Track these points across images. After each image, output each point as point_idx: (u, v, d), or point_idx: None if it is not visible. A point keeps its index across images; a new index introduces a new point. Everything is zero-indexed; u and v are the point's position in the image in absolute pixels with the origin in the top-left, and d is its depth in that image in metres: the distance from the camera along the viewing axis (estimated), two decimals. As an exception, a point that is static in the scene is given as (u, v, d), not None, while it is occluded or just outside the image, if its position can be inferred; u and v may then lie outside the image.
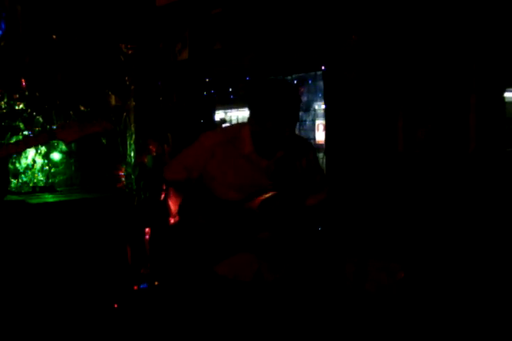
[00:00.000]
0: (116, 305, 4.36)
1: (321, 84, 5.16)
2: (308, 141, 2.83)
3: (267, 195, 2.43)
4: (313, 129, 6.23)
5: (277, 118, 2.31)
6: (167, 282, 4.69)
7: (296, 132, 5.20)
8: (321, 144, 6.04)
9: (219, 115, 6.62)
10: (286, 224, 2.54)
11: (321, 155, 6.08)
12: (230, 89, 5.66)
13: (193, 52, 5.46)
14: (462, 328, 3.68)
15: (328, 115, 4.89)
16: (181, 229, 2.59)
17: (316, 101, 6.12)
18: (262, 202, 2.42)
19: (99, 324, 4.10)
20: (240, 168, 2.46)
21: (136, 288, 4.67)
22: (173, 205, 2.65)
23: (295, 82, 5.67)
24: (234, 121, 8.10)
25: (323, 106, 5.49)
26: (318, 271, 4.53)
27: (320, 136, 6.18)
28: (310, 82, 5.83)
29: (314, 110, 6.21)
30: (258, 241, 2.47)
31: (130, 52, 5.24)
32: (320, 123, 6.17)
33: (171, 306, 4.14)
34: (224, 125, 6.92)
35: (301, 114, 6.24)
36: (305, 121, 6.25)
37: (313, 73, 5.49)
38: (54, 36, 4.84)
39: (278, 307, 2.58)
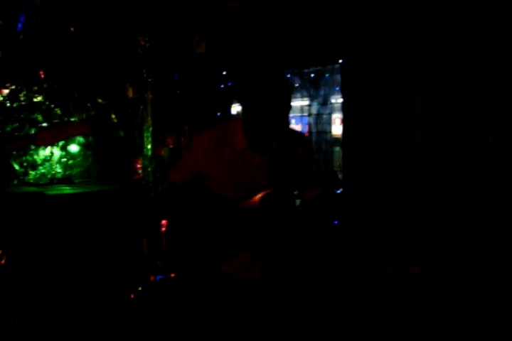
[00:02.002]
0: (132, 296, 4.39)
1: (338, 77, 5.15)
2: (302, 134, 2.80)
3: (265, 193, 2.41)
4: (329, 123, 6.20)
5: (270, 108, 2.28)
6: (181, 274, 4.71)
7: (314, 125, 5.21)
8: (338, 137, 6.02)
9: (236, 108, 6.60)
10: (287, 219, 2.54)
11: (337, 148, 6.08)
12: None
13: (210, 45, 5.46)
14: (479, 324, 3.67)
15: (345, 108, 4.88)
16: (182, 226, 2.59)
17: (333, 94, 6.10)
18: (262, 200, 2.41)
19: (115, 314, 4.13)
20: (235, 166, 2.44)
21: (152, 279, 4.69)
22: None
23: (313, 75, 5.68)
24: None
25: (340, 100, 5.47)
26: (330, 265, 4.53)
27: (336, 130, 6.16)
28: (327, 75, 5.81)
29: (331, 103, 6.18)
30: (262, 239, 2.47)
31: (147, 45, 5.25)
32: (337, 117, 6.14)
33: (186, 298, 4.16)
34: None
35: (318, 107, 6.27)
36: (322, 114, 6.23)
37: (330, 66, 5.48)
38: (72, 29, 4.86)
39: (286, 302, 2.58)
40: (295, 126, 6.35)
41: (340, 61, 4.83)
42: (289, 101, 2.37)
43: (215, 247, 2.50)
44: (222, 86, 5.62)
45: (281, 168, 2.45)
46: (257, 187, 2.42)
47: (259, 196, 2.40)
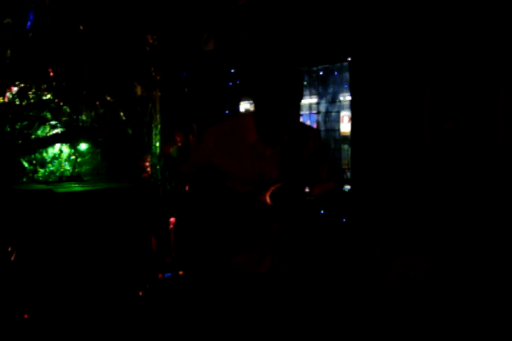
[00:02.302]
0: (141, 293, 4.41)
1: (346, 75, 5.14)
2: (313, 128, 2.80)
3: (275, 187, 2.40)
4: (338, 121, 6.20)
5: (282, 98, 2.28)
6: (190, 270, 4.72)
7: (322, 123, 5.21)
8: (346, 135, 6.02)
9: (244, 106, 6.61)
10: (296, 213, 2.53)
11: (345, 146, 6.08)
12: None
13: (218, 43, 5.46)
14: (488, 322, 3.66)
15: (354, 106, 4.87)
16: (191, 215, 2.59)
17: (342, 92, 6.09)
18: (271, 196, 2.41)
19: (124, 311, 4.15)
20: (245, 158, 2.45)
21: (160, 276, 4.71)
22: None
23: (321, 73, 5.67)
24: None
25: (348, 98, 5.47)
26: (337, 263, 4.53)
27: (345, 128, 6.15)
28: (336, 73, 5.80)
29: (339, 101, 6.17)
30: (270, 232, 2.47)
31: (156, 42, 5.26)
32: (345, 115, 6.13)
33: (194, 295, 4.17)
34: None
35: (326, 105, 6.27)
36: (330, 112, 6.22)
37: (339, 64, 5.47)
38: (81, 27, 4.87)
39: (293, 299, 2.59)
40: (303, 123, 6.34)
41: (349, 59, 4.82)
42: (301, 92, 2.37)
43: (225, 241, 2.50)
44: (230, 84, 5.62)
45: (292, 161, 2.44)
46: (268, 180, 2.42)
47: (269, 190, 2.40)
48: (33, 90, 4.75)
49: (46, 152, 4.85)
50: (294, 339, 2.59)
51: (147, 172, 5.35)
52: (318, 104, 6.26)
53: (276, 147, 2.45)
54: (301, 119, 6.37)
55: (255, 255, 2.49)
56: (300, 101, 2.39)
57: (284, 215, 2.47)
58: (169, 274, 4.73)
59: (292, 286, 2.58)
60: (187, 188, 2.73)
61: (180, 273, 4.75)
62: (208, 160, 2.50)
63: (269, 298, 2.56)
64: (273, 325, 2.57)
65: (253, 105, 2.44)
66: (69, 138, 4.87)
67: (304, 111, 6.34)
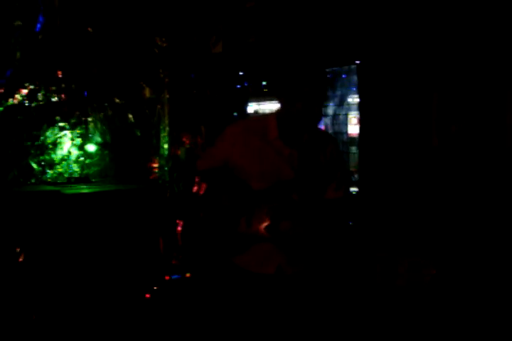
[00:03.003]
0: (148, 296, 4.42)
1: (354, 78, 5.14)
2: (332, 136, 2.83)
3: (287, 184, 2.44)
4: (346, 123, 6.20)
5: (306, 95, 2.31)
6: (197, 273, 4.73)
7: (330, 126, 5.20)
8: (354, 137, 6.02)
9: (253, 107, 6.62)
10: (306, 214, 2.54)
11: (353, 148, 6.07)
12: (264, 83, 5.66)
13: (227, 45, 5.47)
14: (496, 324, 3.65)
15: (362, 109, 4.87)
16: (206, 213, 2.60)
17: (350, 95, 6.09)
18: (269, 227, 2.44)
19: (131, 313, 4.17)
20: (263, 155, 2.47)
21: (167, 278, 4.72)
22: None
23: (329, 76, 5.65)
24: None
25: (356, 100, 5.46)
26: (344, 266, 4.53)
27: (352, 130, 6.15)
28: (344, 75, 5.80)
29: (347, 104, 6.17)
30: (278, 231, 2.48)
31: (164, 45, 5.27)
32: (353, 117, 6.13)
33: (201, 297, 4.18)
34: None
35: (334, 108, 6.26)
36: (338, 115, 6.21)
37: (346, 67, 5.47)
38: (90, 29, 4.89)
39: (296, 301, 2.59)
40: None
41: (357, 62, 4.82)
42: (325, 90, 2.42)
43: (233, 240, 2.52)
44: (238, 86, 5.63)
45: (309, 162, 2.48)
46: (283, 179, 2.44)
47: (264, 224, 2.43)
48: (42, 92, 4.78)
49: (55, 153, 4.87)
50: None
51: (155, 174, 5.36)
52: (326, 106, 6.26)
53: (294, 146, 2.47)
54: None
55: (261, 255, 2.50)
56: (324, 100, 2.43)
57: (294, 215, 2.48)
58: (176, 276, 4.74)
59: (298, 288, 2.58)
60: (197, 188, 2.75)
61: (187, 275, 4.75)
62: (226, 156, 2.52)
63: (275, 300, 2.56)
64: (278, 327, 2.57)
65: (280, 103, 2.46)
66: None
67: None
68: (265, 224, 2.45)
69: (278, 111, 2.49)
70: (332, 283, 4.16)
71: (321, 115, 2.48)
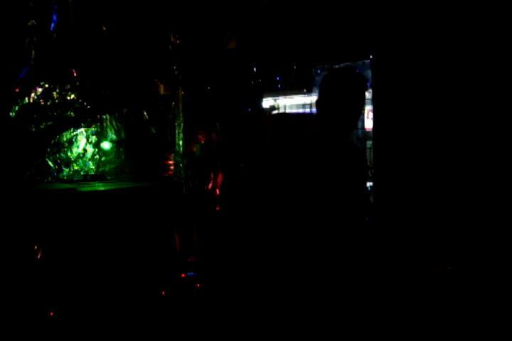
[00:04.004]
0: (163, 293, 4.44)
1: (369, 73, 5.10)
2: (359, 148, 2.83)
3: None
4: (360, 119, 6.15)
5: (345, 111, 2.32)
6: (211, 270, 4.74)
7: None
8: (370, 132, 5.96)
9: (268, 102, 6.61)
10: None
11: (369, 143, 6.03)
12: (278, 78, 5.65)
13: (240, 41, 5.47)
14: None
15: (375, 104, 4.84)
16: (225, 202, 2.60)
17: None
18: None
19: (146, 310, 4.19)
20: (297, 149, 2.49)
21: (183, 275, 4.74)
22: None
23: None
24: (282, 109, 8.08)
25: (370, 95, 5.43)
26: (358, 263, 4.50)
27: (369, 124, 6.10)
28: (357, 71, 5.76)
29: (363, 98, 6.12)
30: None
31: (178, 41, 5.28)
32: (370, 110, 6.09)
33: (213, 294, 4.18)
34: (274, 112, 6.92)
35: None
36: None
37: (360, 62, 5.43)
38: (104, 27, 4.91)
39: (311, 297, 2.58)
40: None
41: (371, 56, 4.79)
42: (363, 102, 2.41)
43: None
44: (252, 82, 5.62)
45: (332, 168, 2.44)
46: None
47: None
48: (58, 90, 4.81)
49: (71, 151, 4.91)
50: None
51: (170, 170, 5.38)
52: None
53: (325, 149, 2.46)
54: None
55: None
56: (362, 107, 2.42)
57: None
58: (192, 273, 4.76)
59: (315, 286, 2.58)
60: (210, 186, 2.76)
61: (203, 272, 4.77)
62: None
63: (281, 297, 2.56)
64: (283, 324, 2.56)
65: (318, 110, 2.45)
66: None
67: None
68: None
69: (318, 115, 2.46)
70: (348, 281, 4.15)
71: (355, 125, 2.46)
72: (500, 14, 4.04)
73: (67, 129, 4.87)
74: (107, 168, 5.11)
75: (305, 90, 5.85)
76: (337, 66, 5.28)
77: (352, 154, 2.54)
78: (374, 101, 4.85)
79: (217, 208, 4.86)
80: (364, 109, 2.44)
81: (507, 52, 4.03)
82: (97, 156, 5.04)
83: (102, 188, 4.58)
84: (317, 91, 2.44)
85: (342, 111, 2.33)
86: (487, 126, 4.16)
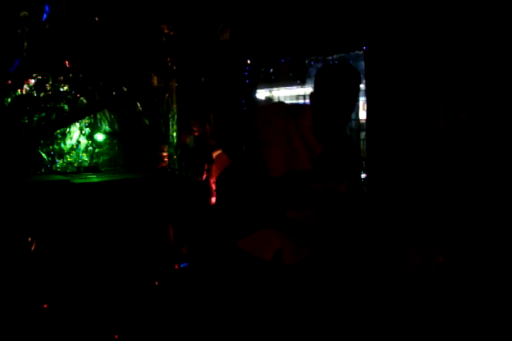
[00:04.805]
0: (156, 283, 4.45)
1: (362, 64, 5.10)
2: (357, 144, 2.87)
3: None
4: (354, 110, 6.14)
5: (339, 104, 2.36)
6: (204, 260, 4.75)
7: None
8: (364, 122, 5.97)
9: (264, 94, 6.60)
10: (314, 206, 2.55)
11: (364, 134, 6.03)
12: (271, 70, 5.63)
13: (234, 32, 5.44)
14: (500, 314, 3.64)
15: (369, 95, 4.84)
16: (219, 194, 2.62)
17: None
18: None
19: (140, 300, 4.20)
20: (290, 138, 2.51)
21: (176, 267, 4.75)
22: (216, 170, 2.69)
23: (336, 62, 5.59)
24: (276, 100, 8.07)
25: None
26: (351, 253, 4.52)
27: (364, 115, 6.11)
28: (351, 62, 5.74)
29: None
30: (285, 219, 2.49)
31: (171, 33, 5.25)
32: (365, 102, 6.09)
33: (206, 284, 4.20)
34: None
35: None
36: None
37: (354, 53, 5.42)
38: (96, 18, 4.88)
39: (294, 292, 2.59)
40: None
41: (364, 48, 4.78)
42: (357, 96, 2.46)
43: (240, 223, 2.53)
44: (246, 73, 5.61)
45: (329, 159, 2.50)
46: (298, 167, 2.50)
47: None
48: (50, 82, 4.79)
49: (64, 143, 4.90)
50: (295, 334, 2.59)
51: (164, 162, 5.37)
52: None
53: (322, 141, 2.52)
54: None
55: (261, 240, 2.53)
56: (355, 103, 2.47)
57: (302, 204, 2.49)
58: (185, 264, 4.77)
59: (297, 279, 2.58)
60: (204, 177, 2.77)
61: (196, 262, 4.77)
62: (257, 129, 2.56)
63: (273, 289, 2.57)
64: (275, 315, 2.58)
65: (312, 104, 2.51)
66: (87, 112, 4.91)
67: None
68: (272, 210, 2.45)
69: (313, 108, 2.52)
70: (335, 276, 4.16)
71: (349, 119, 2.52)
72: (492, 8, 4.04)
73: (64, 126, 4.86)
74: (100, 160, 5.10)
75: (299, 81, 5.85)
76: (330, 57, 5.29)
77: (346, 146, 2.56)
78: (367, 93, 4.85)
79: (211, 199, 4.87)
80: (358, 101, 2.47)
81: (500, 45, 4.03)
82: (91, 148, 5.03)
83: (96, 180, 4.57)
84: (310, 82, 2.47)
85: (337, 104, 2.36)
86: (479, 118, 4.16)
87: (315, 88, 2.47)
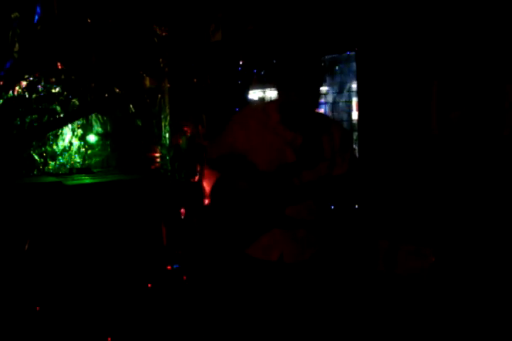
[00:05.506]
0: (149, 285, 4.45)
1: (354, 65, 5.11)
2: (339, 122, 2.87)
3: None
4: (346, 111, 6.15)
5: (300, 87, 2.36)
6: (199, 262, 4.75)
7: (330, 113, 5.12)
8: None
9: (256, 94, 6.60)
10: (312, 196, 2.55)
11: (356, 134, 6.04)
12: (264, 70, 5.64)
13: (226, 33, 5.44)
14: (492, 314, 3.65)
15: (360, 96, 4.84)
16: (216, 204, 2.62)
17: (353, 81, 6.05)
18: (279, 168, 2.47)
19: (132, 302, 4.20)
20: (266, 140, 2.51)
21: (169, 268, 4.75)
22: (207, 186, 2.70)
23: (326, 63, 5.60)
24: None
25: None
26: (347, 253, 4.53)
27: (356, 116, 6.12)
28: (344, 63, 5.76)
29: (350, 90, 6.12)
30: (284, 217, 2.50)
31: (164, 34, 5.25)
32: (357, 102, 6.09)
33: (202, 286, 4.20)
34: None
35: (334, 95, 6.20)
36: (338, 103, 6.16)
37: (346, 54, 5.43)
38: (88, 19, 4.88)
39: (297, 290, 2.60)
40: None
41: (356, 49, 4.79)
42: (319, 78, 2.44)
43: (244, 229, 2.54)
44: (238, 74, 5.61)
45: (312, 145, 2.49)
46: (285, 162, 2.49)
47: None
48: (42, 83, 4.79)
49: (56, 144, 4.89)
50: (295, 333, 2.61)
51: (157, 163, 5.37)
52: (326, 94, 6.21)
53: (297, 131, 2.50)
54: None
55: (267, 242, 2.54)
56: (319, 87, 2.47)
57: (299, 198, 2.49)
58: (177, 266, 4.77)
59: (300, 277, 2.60)
60: (197, 178, 2.78)
61: (189, 264, 4.77)
62: (232, 143, 2.58)
63: (278, 288, 2.58)
64: (279, 315, 2.59)
65: (277, 91, 2.52)
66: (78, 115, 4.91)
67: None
68: (273, 209, 2.47)
69: (278, 97, 2.53)
70: (336, 274, 4.17)
71: (317, 102, 2.53)
72: (485, 7, 4.05)
73: (56, 128, 4.86)
74: (92, 161, 5.10)
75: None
76: (322, 58, 5.28)
77: (325, 129, 2.57)
78: (359, 93, 4.86)
79: (204, 201, 4.86)
80: (320, 85, 2.46)
81: (491, 45, 4.04)
82: (83, 149, 5.03)
83: (88, 181, 4.57)
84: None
85: (297, 88, 2.37)
86: (469, 118, 4.18)
87: (276, 76, 2.47)
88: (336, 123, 2.76)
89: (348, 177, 2.66)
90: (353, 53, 5.04)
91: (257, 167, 2.50)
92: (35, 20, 4.65)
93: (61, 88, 4.88)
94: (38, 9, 4.63)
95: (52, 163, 4.87)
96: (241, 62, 5.55)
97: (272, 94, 8.04)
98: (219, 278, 2.76)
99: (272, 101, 2.64)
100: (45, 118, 4.81)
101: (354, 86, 6.12)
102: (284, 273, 2.57)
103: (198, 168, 5.20)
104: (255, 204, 2.49)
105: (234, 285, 2.65)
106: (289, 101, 2.42)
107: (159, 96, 5.36)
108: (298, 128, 2.50)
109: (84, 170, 4.95)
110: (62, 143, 4.92)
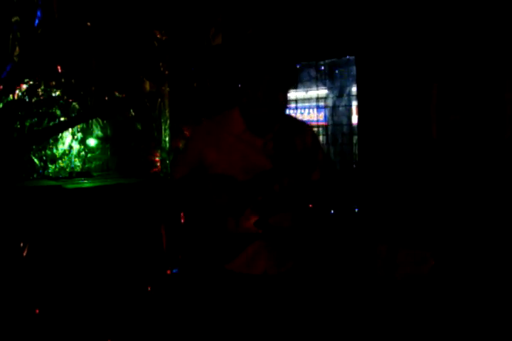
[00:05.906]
0: (149, 288, 4.45)
1: (353, 69, 5.12)
2: (308, 124, 2.77)
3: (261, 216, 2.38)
4: (345, 114, 6.16)
5: (268, 84, 2.25)
6: (193, 267, 4.74)
7: (330, 117, 5.14)
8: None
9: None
10: (290, 205, 2.49)
11: (356, 138, 6.04)
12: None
13: (226, 37, 5.45)
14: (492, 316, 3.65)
15: (360, 100, 4.84)
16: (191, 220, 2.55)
17: (352, 86, 6.06)
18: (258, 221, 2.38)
19: (132, 305, 4.19)
20: (236, 151, 2.39)
21: (169, 272, 4.74)
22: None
23: (328, 67, 5.63)
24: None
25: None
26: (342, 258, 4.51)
27: (356, 119, 6.13)
28: (344, 67, 5.77)
29: (350, 95, 6.13)
30: (269, 225, 2.42)
31: (164, 38, 5.26)
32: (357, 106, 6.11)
33: (197, 291, 4.19)
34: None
35: (334, 99, 6.22)
36: (338, 106, 6.17)
37: (345, 58, 5.44)
38: (88, 23, 4.88)
39: (284, 301, 2.54)
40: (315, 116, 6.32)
41: (355, 53, 4.80)
42: (288, 78, 2.32)
43: (224, 244, 2.47)
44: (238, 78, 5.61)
45: (285, 150, 2.38)
46: (260, 170, 2.35)
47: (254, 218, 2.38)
48: (42, 87, 4.79)
49: (56, 148, 4.89)
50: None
51: (157, 167, 5.38)
52: (326, 98, 6.22)
53: (265, 136, 2.38)
54: (313, 112, 6.35)
55: (250, 255, 2.42)
56: (289, 88, 2.36)
57: (280, 206, 2.42)
58: (176, 270, 4.76)
59: (285, 287, 2.53)
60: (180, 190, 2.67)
61: (187, 268, 4.77)
62: (199, 158, 2.43)
63: (264, 300, 2.51)
64: (267, 326, 2.53)
65: (241, 92, 2.36)
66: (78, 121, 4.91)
67: (312, 103, 6.27)
68: (254, 219, 2.39)
69: (241, 104, 2.38)
70: (325, 282, 4.16)
71: (285, 103, 2.37)
72: (483, 10, 4.06)
73: (57, 133, 4.86)
74: (92, 165, 5.10)
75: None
76: (322, 62, 5.30)
77: (295, 132, 2.46)
78: (359, 97, 4.86)
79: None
80: (289, 85, 2.34)
81: (490, 48, 4.05)
82: (83, 153, 5.03)
83: (88, 185, 4.57)
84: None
85: (264, 88, 2.26)
86: (468, 121, 4.18)
87: (242, 77, 2.34)
88: (306, 124, 2.66)
89: (326, 179, 2.59)
90: (352, 57, 5.05)
91: (235, 178, 2.36)
92: (36, 24, 4.66)
93: (61, 92, 4.87)
94: (39, 13, 4.64)
95: (52, 167, 4.86)
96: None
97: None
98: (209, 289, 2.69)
99: (233, 110, 2.45)
100: (45, 121, 4.80)
101: (354, 90, 6.14)
102: (268, 286, 2.47)
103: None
104: (237, 217, 2.39)
105: (220, 301, 2.58)
106: (255, 103, 2.28)
107: (159, 100, 5.37)
108: (266, 134, 2.38)
109: (84, 173, 4.95)
110: (62, 147, 4.91)
